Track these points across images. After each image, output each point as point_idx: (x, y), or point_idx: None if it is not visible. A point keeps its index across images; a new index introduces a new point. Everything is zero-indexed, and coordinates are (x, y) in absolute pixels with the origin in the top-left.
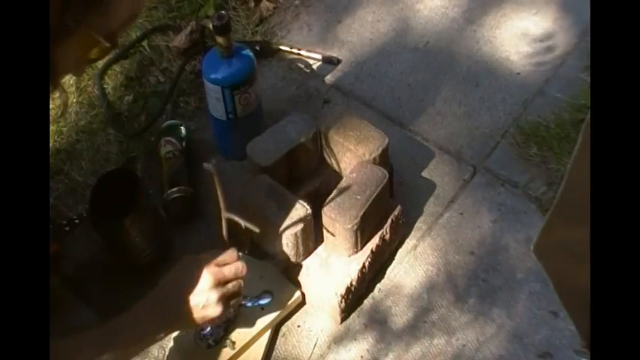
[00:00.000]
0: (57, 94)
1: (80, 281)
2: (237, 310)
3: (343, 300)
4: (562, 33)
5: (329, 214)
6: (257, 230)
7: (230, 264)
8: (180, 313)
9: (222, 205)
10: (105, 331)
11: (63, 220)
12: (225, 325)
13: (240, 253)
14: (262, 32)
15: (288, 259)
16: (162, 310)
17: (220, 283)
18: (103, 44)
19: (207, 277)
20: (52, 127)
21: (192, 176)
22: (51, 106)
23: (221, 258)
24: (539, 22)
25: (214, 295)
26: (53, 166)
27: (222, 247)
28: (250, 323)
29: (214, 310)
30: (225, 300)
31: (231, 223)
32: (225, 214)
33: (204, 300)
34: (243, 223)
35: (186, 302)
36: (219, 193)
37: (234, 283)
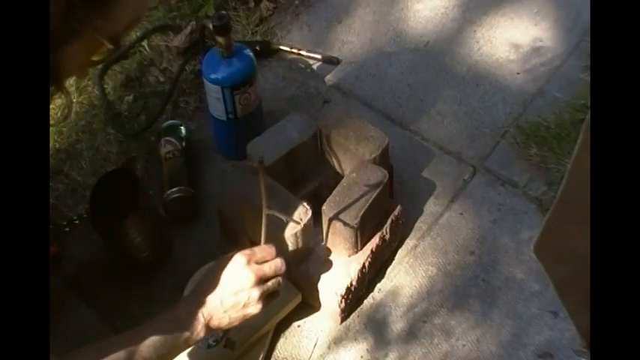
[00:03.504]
0: (58, 96)
1: (80, 281)
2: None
3: (343, 300)
4: (562, 32)
5: (329, 214)
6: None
7: (270, 261)
8: (221, 312)
9: (264, 202)
10: (150, 328)
11: (63, 221)
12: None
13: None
14: (262, 32)
15: (289, 259)
16: (203, 308)
17: (261, 281)
18: (106, 46)
19: (249, 274)
20: (52, 128)
21: (192, 176)
22: (53, 108)
23: (260, 255)
24: (539, 21)
25: (256, 293)
26: (53, 166)
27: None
28: (250, 323)
29: (255, 308)
30: (265, 298)
31: (228, 223)
32: (266, 211)
33: (245, 298)
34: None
35: (228, 300)
36: (262, 190)
37: (273, 280)
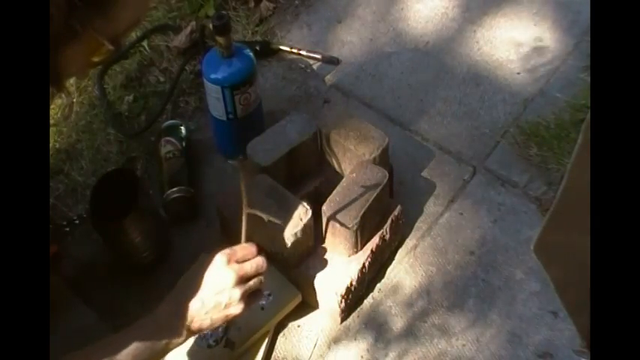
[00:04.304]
0: (59, 96)
1: (80, 281)
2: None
3: (343, 300)
4: (562, 32)
5: (329, 214)
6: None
7: (251, 259)
8: (202, 313)
9: (244, 200)
10: (129, 334)
11: (63, 221)
12: (225, 324)
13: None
14: (262, 32)
15: (288, 259)
16: (184, 310)
17: (242, 280)
18: (107, 47)
19: (229, 274)
20: (52, 128)
21: (192, 176)
22: (53, 108)
23: (241, 253)
24: (539, 21)
25: (238, 293)
26: (53, 166)
27: (232, 244)
28: (250, 323)
29: (237, 308)
30: (247, 297)
31: (228, 223)
32: (247, 210)
33: (227, 298)
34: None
35: (209, 301)
36: (242, 189)
37: (255, 279)
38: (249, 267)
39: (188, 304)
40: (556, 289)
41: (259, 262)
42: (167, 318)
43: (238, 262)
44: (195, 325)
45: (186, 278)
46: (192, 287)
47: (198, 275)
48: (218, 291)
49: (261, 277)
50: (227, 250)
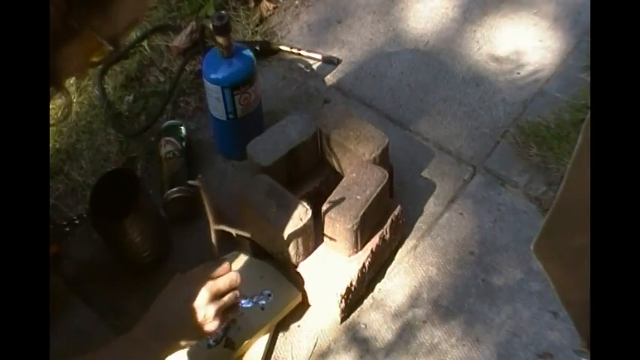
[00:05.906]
0: (59, 96)
1: (80, 281)
2: (234, 320)
3: (343, 300)
4: (562, 32)
5: (329, 214)
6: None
7: (224, 275)
8: (178, 332)
9: (210, 217)
10: (103, 355)
11: (63, 221)
12: (225, 325)
13: (243, 255)
14: (262, 32)
15: (288, 259)
16: (161, 331)
17: (216, 297)
18: (106, 47)
19: (202, 291)
20: (52, 128)
21: (192, 176)
22: (53, 108)
23: (214, 270)
24: (539, 21)
25: (212, 310)
26: (53, 166)
27: (214, 256)
28: (250, 323)
29: (212, 325)
30: (222, 313)
31: (228, 223)
32: (214, 227)
33: (201, 316)
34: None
35: (184, 320)
36: (206, 206)
37: (229, 295)
38: (222, 283)
39: (163, 325)
40: (556, 289)
41: (232, 277)
42: (142, 339)
43: (212, 278)
44: (171, 343)
45: (160, 298)
46: (167, 307)
47: (172, 295)
48: (192, 309)
49: (236, 292)
50: (200, 268)
